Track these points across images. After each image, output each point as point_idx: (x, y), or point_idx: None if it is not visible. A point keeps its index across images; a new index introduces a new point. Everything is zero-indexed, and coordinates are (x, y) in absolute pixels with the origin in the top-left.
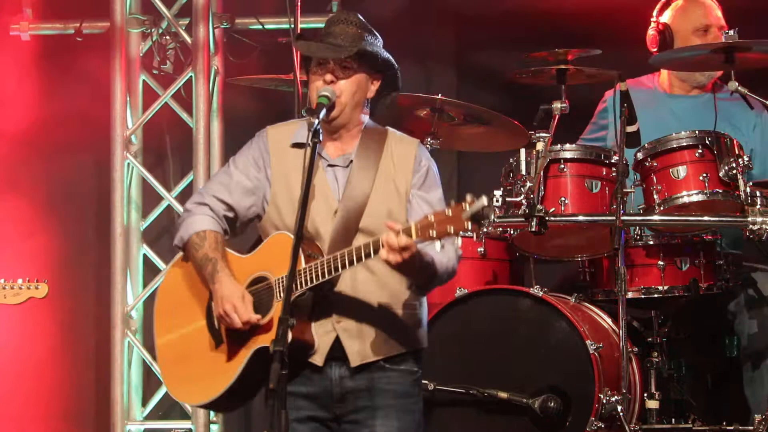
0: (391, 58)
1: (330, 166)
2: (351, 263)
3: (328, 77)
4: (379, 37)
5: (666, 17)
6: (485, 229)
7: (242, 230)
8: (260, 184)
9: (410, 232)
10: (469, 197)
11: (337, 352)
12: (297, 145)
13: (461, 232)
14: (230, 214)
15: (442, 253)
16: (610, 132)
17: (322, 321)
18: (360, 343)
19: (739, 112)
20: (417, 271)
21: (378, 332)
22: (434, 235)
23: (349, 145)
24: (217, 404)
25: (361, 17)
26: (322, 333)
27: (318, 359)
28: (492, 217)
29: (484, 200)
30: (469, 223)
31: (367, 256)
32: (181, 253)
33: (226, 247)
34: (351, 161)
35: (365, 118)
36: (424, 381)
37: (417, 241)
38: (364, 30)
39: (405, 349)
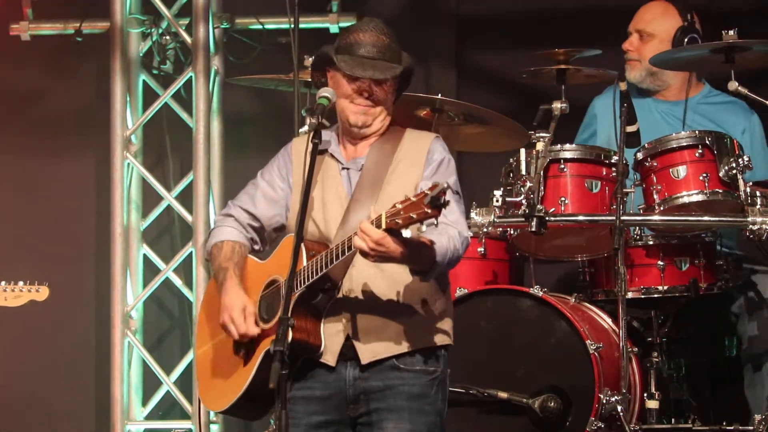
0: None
1: (344, 169)
2: (338, 257)
3: (365, 94)
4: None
5: None
6: (486, 229)
7: (272, 239)
8: (284, 194)
9: (380, 222)
10: (432, 183)
11: (350, 352)
12: (319, 152)
13: (427, 220)
14: (255, 224)
15: (439, 234)
16: (599, 138)
17: (332, 320)
18: (370, 340)
19: (727, 117)
20: (404, 259)
21: (389, 330)
22: (400, 223)
23: (365, 147)
24: (237, 410)
25: (385, 26)
26: (333, 332)
27: (330, 359)
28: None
29: (444, 184)
30: (429, 209)
31: (349, 249)
32: None
33: (247, 254)
34: (363, 165)
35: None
36: None
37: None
38: (393, 40)
39: (418, 346)
